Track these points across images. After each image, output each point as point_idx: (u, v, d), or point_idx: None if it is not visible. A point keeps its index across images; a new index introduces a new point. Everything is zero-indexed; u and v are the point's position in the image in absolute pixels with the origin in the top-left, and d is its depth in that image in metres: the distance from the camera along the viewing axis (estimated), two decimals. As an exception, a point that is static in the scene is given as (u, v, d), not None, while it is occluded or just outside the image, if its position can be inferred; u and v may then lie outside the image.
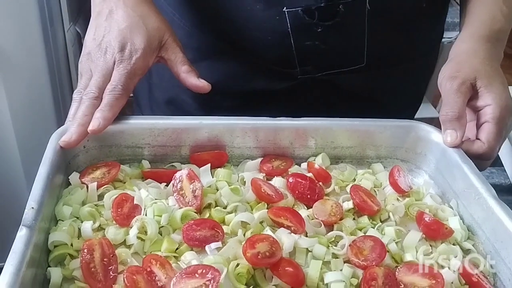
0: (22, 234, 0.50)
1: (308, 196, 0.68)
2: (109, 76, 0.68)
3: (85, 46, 0.71)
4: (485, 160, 0.71)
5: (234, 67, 0.82)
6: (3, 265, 1.64)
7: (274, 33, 0.77)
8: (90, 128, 0.64)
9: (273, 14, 0.75)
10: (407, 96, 0.94)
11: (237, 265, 0.56)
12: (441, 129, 0.72)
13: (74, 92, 0.69)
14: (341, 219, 0.65)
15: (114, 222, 0.60)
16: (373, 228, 0.65)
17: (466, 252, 0.64)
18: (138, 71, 0.69)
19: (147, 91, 0.96)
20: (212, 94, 0.74)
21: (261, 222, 0.63)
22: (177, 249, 0.59)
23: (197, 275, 0.52)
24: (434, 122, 0.75)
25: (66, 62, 1.56)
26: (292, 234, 0.61)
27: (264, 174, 0.72)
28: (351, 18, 0.76)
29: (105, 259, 0.54)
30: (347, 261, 0.60)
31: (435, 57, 0.96)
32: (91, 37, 0.71)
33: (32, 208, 0.53)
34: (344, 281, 0.55)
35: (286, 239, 0.59)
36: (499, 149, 0.72)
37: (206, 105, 0.85)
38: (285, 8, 0.74)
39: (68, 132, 0.64)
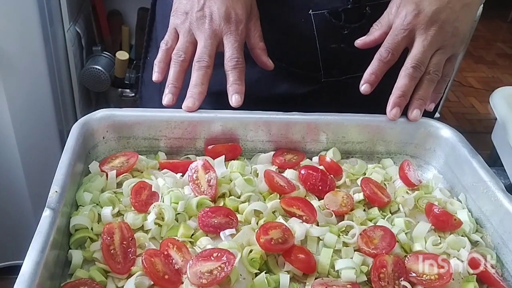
0: (46, 215, 0.52)
1: (320, 188, 0.70)
2: (216, 45, 0.69)
3: (178, 2, 0.72)
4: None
5: (257, 72, 0.81)
6: (4, 265, 1.66)
7: (299, 36, 0.77)
8: (235, 104, 0.69)
9: (299, 17, 0.75)
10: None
11: (251, 251, 0.58)
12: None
13: (173, 53, 0.70)
14: (351, 210, 0.67)
15: (132, 208, 0.62)
16: (383, 219, 0.66)
17: (474, 244, 0.65)
18: (243, 41, 0.70)
19: (157, 104, 0.96)
20: None
21: (273, 212, 0.65)
22: (192, 235, 0.61)
23: (212, 258, 0.54)
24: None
25: (66, 62, 1.57)
26: (304, 223, 0.63)
27: (276, 167, 0.74)
28: (376, 19, 0.75)
29: (124, 242, 0.56)
30: (357, 250, 0.61)
31: None
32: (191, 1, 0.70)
33: (56, 191, 0.56)
34: (354, 268, 0.57)
35: (298, 227, 0.61)
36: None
37: None
38: (311, 10, 0.74)
39: (190, 98, 0.69)
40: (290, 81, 0.81)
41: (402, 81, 0.70)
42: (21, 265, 0.48)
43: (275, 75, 0.81)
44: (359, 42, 0.74)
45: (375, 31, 0.73)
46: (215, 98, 0.79)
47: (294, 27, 0.76)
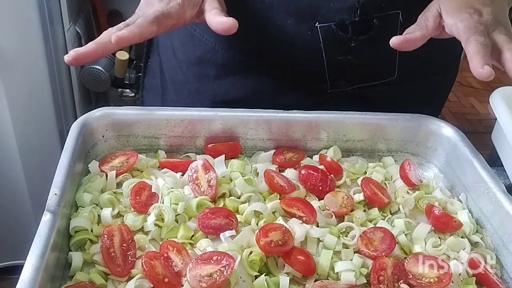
0: (46, 219, 0.52)
1: (320, 188, 0.70)
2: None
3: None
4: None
5: (262, 82, 0.81)
6: (4, 265, 1.67)
7: (305, 48, 0.76)
8: (113, 35, 0.61)
9: (305, 29, 0.74)
10: (433, 106, 0.93)
11: (251, 252, 0.58)
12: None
13: None
14: (352, 210, 0.67)
15: (132, 209, 0.62)
16: (383, 220, 0.66)
17: (474, 245, 0.65)
18: (174, 15, 0.65)
19: None
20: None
21: (273, 212, 0.65)
22: (192, 236, 0.61)
23: (212, 261, 0.54)
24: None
25: (66, 62, 1.57)
26: (304, 224, 0.63)
27: (276, 166, 0.74)
28: (384, 32, 0.73)
29: (124, 245, 0.56)
30: (357, 252, 0.61)
31: (457, 67, 0.95)
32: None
33: (55, 194, 0.56)
34: (354, 271, 0.57)
35: (298, 228, 0.61)
36: None
37: None
38: (317, 23, 0.73)
39: (83, 47, 0.62)
40: (295, 92, 0.80)
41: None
42: (21, 265, 0.48)
43: (279, 86, 0.80)
44: (397, 40, 0.65)
45: (416, 31, 0.66)
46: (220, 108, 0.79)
47: (300, 39, 0.75)
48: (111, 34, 0.62)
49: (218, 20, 0.64)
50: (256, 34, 0.76)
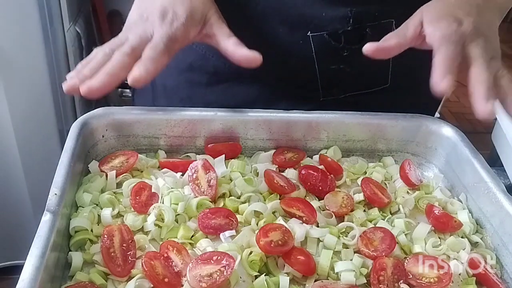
0: (46, 219, 0.52)
1: (320, 188, 0.70)
2: (146, 39, 0.63)
3: (127, 20, 0.69)
4: None
5: (254, 91, 0.81)
6: (4, 265, 1.66)
7: (297, 57, 0.76)
8: (130, 77, 0.60)
9: (297, 38, 0.74)
10: (426, 110, 0.90)
11: (251, 252, 0.58)
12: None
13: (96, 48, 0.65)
14: (351, 210, 0.67)
15: (132, 209, 0.62)
16: (383, 220, 0.66)
17: (474, 245, 0.65)
18: (180, 38, 0.64)
19: None
20: None
21: (273, 212, 0.65)
22: (192, 236, 0.61)
23: (212, 261, 0.54)
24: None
25: (66, 62, 1.56)
26: (304, 224, 0.63)
27: (276, 166, 0.74)
28: (377, 41, 0.72)
29: (124, 245, 0.56)
30: (357, 252, 0.61)
31: None
32: (135, 12, 0.68)
33: (55, 194, 0.56)
34: (354, 271, 0.57)
35: (298, 228, 0.61)
36: None
37: None
38: (309, 32, 0.73)
39: (95, 79, 0.60)
40: (288, 101, 0.80)
41: (484, 75, 0.61)
42: (21, 265, 0.48)
43: (273, 95, 0.80)
44: (370, 47, 0.64)
45: (392, 39, 0.65)
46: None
47: (292, 48, 0.75)
48: (120, 62, 0.61)
49: (242, 53, 0.64)
50: (248, 42, 0.76)
